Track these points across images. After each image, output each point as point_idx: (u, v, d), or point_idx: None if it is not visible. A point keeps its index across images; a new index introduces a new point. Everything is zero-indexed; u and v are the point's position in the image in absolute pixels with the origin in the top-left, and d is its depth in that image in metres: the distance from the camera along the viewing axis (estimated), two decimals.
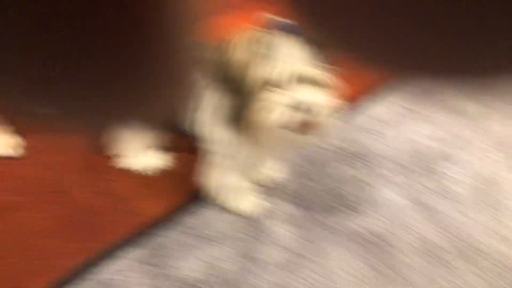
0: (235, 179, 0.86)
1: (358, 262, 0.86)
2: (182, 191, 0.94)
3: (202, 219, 0.91)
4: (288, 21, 0.69)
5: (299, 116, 0.66)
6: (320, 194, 0.99)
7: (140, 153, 0.96)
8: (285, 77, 0.65)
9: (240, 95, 0.68)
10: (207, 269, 0.82)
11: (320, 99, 0.67)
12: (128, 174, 0.96)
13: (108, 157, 0.97)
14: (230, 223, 0.91)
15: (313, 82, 0.67)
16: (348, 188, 1.01)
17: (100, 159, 0.97)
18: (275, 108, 0.66)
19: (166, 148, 0.99)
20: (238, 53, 0.66)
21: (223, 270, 0.82)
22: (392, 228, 0.92)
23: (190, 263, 0.82)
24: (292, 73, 0.65)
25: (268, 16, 0.69)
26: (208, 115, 0.77)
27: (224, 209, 0.92)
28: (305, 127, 0.68)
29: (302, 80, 0.66)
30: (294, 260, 0.86)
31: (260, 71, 0.65)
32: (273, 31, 0.69)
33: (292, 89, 0.66)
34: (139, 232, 0.86)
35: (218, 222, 0.91)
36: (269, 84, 0.66)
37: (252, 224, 0.91)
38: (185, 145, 0.91)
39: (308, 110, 0.66)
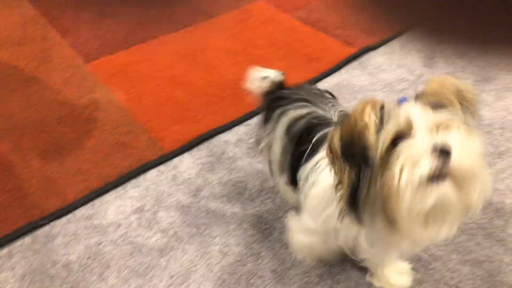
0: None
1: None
2: None
3: None
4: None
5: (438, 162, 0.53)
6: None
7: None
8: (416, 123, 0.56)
9: (367, 167, 0.58)
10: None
11: (465, 140, 0.55)
12: None
13: None
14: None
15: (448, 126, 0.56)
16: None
17: None
18: (419, 158, 0.54)
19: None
20: (361, 121, 0.57)
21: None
22: None
23: None
24: (425, 120, 0.56)
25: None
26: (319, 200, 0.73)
27: None
28: (458, 187, 0.55)
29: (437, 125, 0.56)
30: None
31: (385, 131, 0.56)
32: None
33: (424, 132, 0.56)
34: None
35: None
36: (399, 136, 0.56)
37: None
38: None
39: (447, 153, 0.54)
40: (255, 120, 1.31)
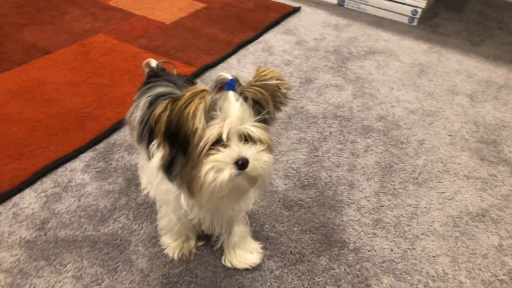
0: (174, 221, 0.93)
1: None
2: None
3: None
4: (229, 76, 0.74)
5: (235, 172, 0.71)
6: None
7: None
8: (228, 135, 0.70)
9: (187, 155, 0.71)
10: None
11: (258, 154, 0.72)
12: None
13: None
14: None
15: (252, 139, 0.73)
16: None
17: None
18: (224, 167, 0.70)
19: None
20: (185, 111, 0.68)
21: None
22: None
23: None
24: (234, 131, 0.70)
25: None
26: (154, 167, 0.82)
27: None
28: (249, 182, 0.74)
29: (242, 137, 0.72)
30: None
31: (207, 131, 0.69)
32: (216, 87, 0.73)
33: (234, 146, 0.71)
34: None
35: None
36: (215, 143, 0.70)
37: None
38: None
39: (247, 165, 0.71)
40: (103, 145, 1.31)
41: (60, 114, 1.41)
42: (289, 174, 1.25)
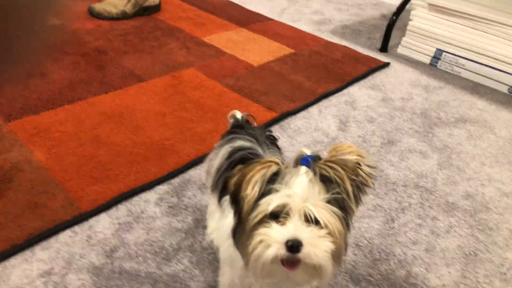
0: (236, 283, 0.90)
1: None
2: None
3: None
4: (309, 151, 0.73)
5: (284, 253, 0.65)
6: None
7: None
8: (285, 214, 0.66)
9: (241, 222, 0.69)
10: None
11: (316, 239, 0.66)
12: None
13: None
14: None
15: (313, 221, 0.66)
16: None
17: None
18: (272, 244, 0.65)
19: None
20: (248, 176, 0.67)
21: None
22: None
23: None
24: (294, 208, 0.66)
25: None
26: (225, 230, 0.80)
27: None
28: (306, 271, 0.68)
29: (303, 218, 0.66)
30: None
31: (262, 201, 0.66)
32: (287, 162, 0.72)
33: (290, 224, 0.66)
34: None
35: None
36: (268, 217, 0.66)
37: None
38: None
39: (297, 249, 0.65)
40: (178, 179, 1.34)
41: (144, 143, 1.47)
42: (360, 243, 1.18)
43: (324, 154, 0.73)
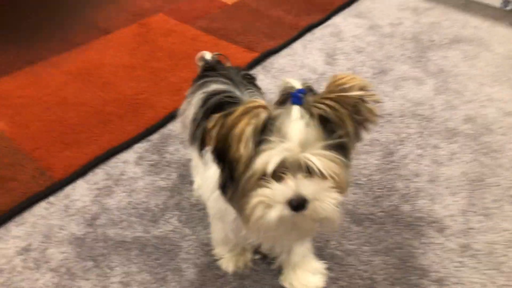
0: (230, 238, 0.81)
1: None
2: None
3: None
4: (298, 84, 0.60)
5: (289, 213, 0.57)
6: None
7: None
8: (283, 165, 0.56)
9: (235, 181, 0.59)
10: None
11: (322, 193, 0.58)
12: None
13: None
14: None
15: (316, 172, 0.57)
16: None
17: None
18: (273, 205, 0.58)
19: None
20: (232, 131, 0.56)
21: None
22: None
23: None
24: (292, 160, 0.56)
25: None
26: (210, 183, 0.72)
27: None
28: (312, 221, 0.60)
29: (303, 170, 0.57)
30: None
31: (257, 159, 0.56)
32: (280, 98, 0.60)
33: (290, 181, 0.57)
34: None
35: None
36: (266, 176, 0.57)
37: None
38: None
39: (306, 206, 0.57)
40: (157, 136, 1.23)
41: (116, 100, 1.34)
42: (359, 181, 1.10)
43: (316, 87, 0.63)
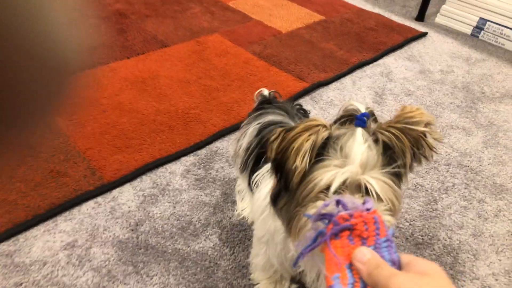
0: (272, 263, 0.82)
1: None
2: None
3: None
4: (363, 107, 0.61)
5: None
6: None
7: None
8: (339, 186, 0.56)
9: (289, 191, 0.60)
10: None
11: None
12: None
13: None
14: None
15: (373, 194, 0.56)
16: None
17: None
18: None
19: None
20: (292, 145, 0.57)
21: None
22: None
23: None
24: (351, 181, 0.56)
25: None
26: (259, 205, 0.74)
27: None
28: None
29: (362, 191, 0.56)
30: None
31: (317, 174, 0.56)
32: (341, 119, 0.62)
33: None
34: None
35: None
36: (328, 191, 0.56)
37: None
38: None
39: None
40: (205, 151, 1.26)
41: (168, 111, 1.39)
42: (401, 225, 1.09)
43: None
